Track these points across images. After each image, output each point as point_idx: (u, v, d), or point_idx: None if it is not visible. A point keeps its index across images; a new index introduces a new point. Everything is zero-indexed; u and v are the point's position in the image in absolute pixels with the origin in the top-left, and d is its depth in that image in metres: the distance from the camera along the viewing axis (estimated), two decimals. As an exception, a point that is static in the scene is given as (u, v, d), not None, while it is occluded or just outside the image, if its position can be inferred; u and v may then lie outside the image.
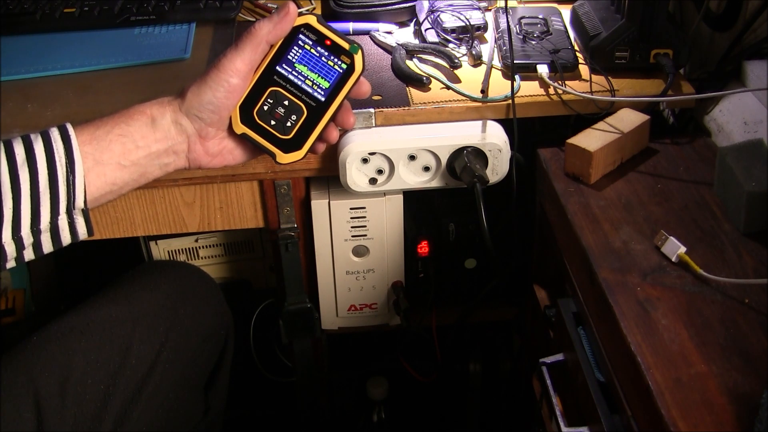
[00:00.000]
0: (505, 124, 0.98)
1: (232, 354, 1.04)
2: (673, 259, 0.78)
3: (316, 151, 0.82)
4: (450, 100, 0.98)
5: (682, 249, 0.78)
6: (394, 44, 1.08)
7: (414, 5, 1.14)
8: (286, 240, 1.06)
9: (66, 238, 0.74)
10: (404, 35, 1.13)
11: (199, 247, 1.35)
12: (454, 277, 1.14)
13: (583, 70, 1.02)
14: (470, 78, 1.02)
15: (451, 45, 1.07)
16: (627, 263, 0.79)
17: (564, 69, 0.99)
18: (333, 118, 0.79)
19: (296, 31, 0.77)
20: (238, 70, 0.75)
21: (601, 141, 0.91)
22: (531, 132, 1.07)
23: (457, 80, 1.02)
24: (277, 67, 0.78)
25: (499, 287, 1.14)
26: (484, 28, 1.09)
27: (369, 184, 0.99)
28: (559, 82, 0.98)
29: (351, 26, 1.13)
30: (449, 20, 1.08)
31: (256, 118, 0.78)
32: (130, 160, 0.74)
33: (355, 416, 1.36)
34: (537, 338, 1.10)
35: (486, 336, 1.35)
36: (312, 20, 0.77)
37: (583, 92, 0.97)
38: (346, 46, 0.77)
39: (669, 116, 1.09)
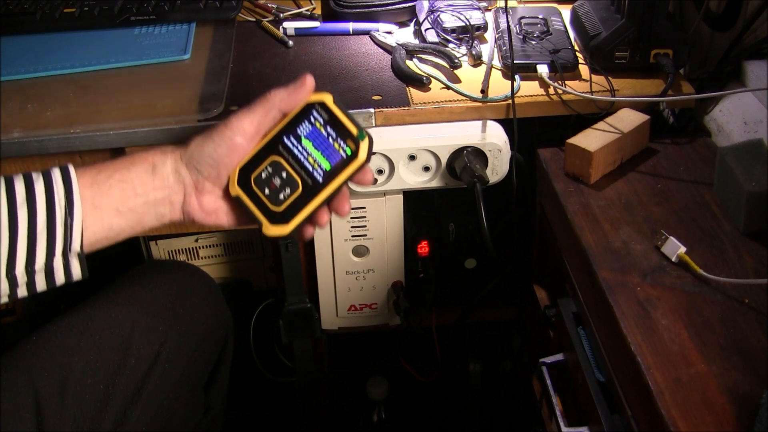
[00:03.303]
0: (505, 124, 0.98)
1: (232, 354, 1.04)
2: (673, 259, 0.78)
3: (305, 235, 0.77)
4: (450, 100, 0.97)
5: (682, 249, 0.78)
6: (394, 44, 1.08)
7: (414, 5, 1.14)
8: (286, 240, 1.05)
9: (60, 279, 0.74)
10: (404, 35, 1.13)
11: (199, 247, 1.35)
12: (454, 277, 1.14)
13: (583, 70, 1.02)
14: (470, 78, 1.02)
15: (451, 45, 1.07)
16: (627, 263, 0.79)
17: (564, 69, 0.99)
18: (328, 202, 0.75)
19: (311, 106, 0.75)
20: (245, 130, 0.73)
21: (601, 141, 0.91)
22: (531, 132, 1.07)
23: (457, 80, 1.02)
24: (284, 138, 0.75)
25: (499, 287, 1.14)
26: (484, 28, 1.09)
27: (369, 184, 0.99)
28: (559, 82, 0.98)
29: (351, 26, 1.13)
30: (449, 20, 1.08)
31: (252, 183, 0.75)
32: (127, 206, 0.73)
33: (355, 416, 1.36)
34: (537, 338, 1.10)
35: (486, 336, 1.35)
36: (328, 99, 0.74)
37: (583, 92, 0.97)
38: (354, 131, 0.74)
39: (669, 116, 1.09)
